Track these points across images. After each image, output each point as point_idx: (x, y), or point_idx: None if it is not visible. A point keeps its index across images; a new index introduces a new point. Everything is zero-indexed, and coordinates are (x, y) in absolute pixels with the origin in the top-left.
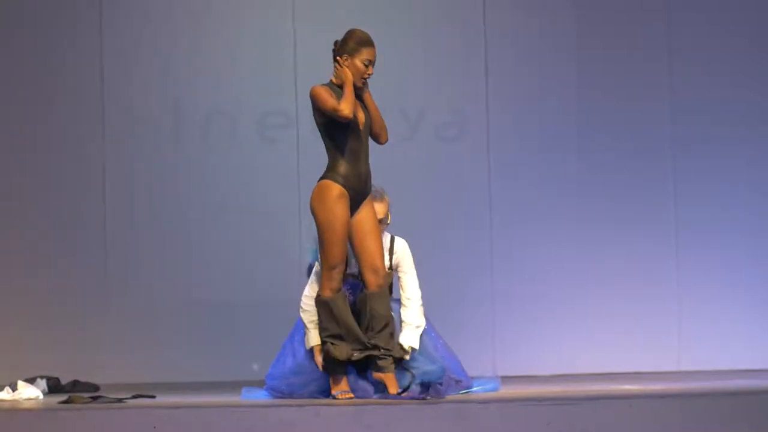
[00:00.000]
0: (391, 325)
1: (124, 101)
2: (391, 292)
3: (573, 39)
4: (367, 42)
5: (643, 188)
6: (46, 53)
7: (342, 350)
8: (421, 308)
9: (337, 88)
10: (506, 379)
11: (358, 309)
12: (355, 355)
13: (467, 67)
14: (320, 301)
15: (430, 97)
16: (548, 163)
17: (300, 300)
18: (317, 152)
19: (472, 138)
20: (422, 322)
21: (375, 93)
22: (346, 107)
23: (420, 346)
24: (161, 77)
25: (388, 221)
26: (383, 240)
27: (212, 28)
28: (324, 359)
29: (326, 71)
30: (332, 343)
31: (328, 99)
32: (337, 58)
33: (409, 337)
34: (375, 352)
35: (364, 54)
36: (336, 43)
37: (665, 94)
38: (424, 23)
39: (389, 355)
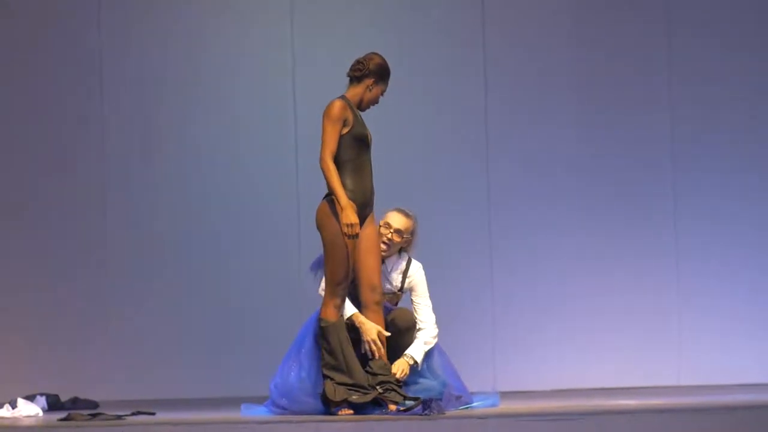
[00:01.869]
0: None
1: (123, 116)
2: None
3: (573, 51)
4: (389, 75)
5: (644, 202)
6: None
7: (339, 392)
8: (436, 332)
9: (352, 107)
10: (506, 395)
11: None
12: (354, 398)
13: (466, 74)
14: (322, 328)
15: (428, 106)
16: (548, 180)
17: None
18: (317, 165)
19: (470, 153)
20: (433, 342)
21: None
22: (324, 157)
23: (427, 362)
24: (159, 88)
25: (406, 236)
26: (400, 261)
27: (210, 40)
28: (321, 395)
29: (323, 81)
30: (331, 378)
31: (329, 134)
32: (365, 79)
33: (416, 350)
34: (374, 394)
35: (385, 86)
36: (360, 63)
37: (665, 107)
38: (422, 32)
39: (390, 388)
